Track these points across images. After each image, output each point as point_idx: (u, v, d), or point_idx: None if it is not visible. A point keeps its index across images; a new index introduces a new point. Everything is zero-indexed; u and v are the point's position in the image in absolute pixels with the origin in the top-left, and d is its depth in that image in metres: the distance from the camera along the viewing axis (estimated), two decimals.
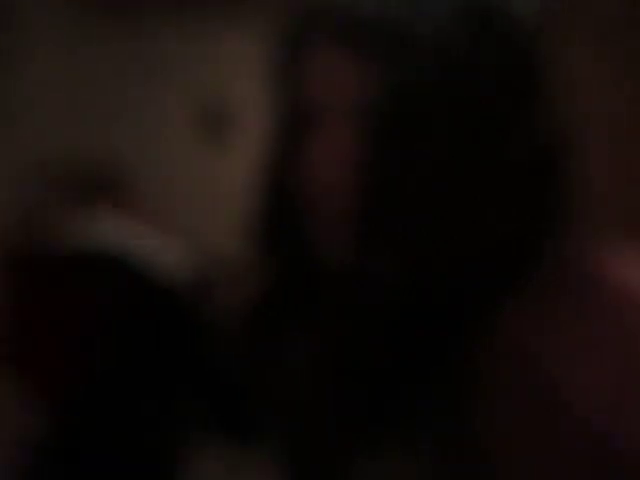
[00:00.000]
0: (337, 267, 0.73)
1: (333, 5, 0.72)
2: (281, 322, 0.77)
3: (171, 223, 3.67)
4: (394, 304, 0.68)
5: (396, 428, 0.70)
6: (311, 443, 0.74)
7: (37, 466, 1.19)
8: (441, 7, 0.68)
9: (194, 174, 3.63)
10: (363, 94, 0.70)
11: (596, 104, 3.10)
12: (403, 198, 0.68)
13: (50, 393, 1.39)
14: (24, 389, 1.69)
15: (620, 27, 3.37)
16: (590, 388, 0.63)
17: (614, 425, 0.62)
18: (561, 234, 0.72)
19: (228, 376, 0.85)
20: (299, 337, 0.76)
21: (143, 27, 3.53)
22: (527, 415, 0.65)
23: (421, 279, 0.68)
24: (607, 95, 3.31)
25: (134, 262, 1.46)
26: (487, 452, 0.65)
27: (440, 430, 0.68)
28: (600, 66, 3.33)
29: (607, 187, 2.83)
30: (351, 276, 0.71)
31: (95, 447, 1.08)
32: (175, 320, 1.18)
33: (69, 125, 3.40)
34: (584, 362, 0.64)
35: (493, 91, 0.68)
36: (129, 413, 1.11)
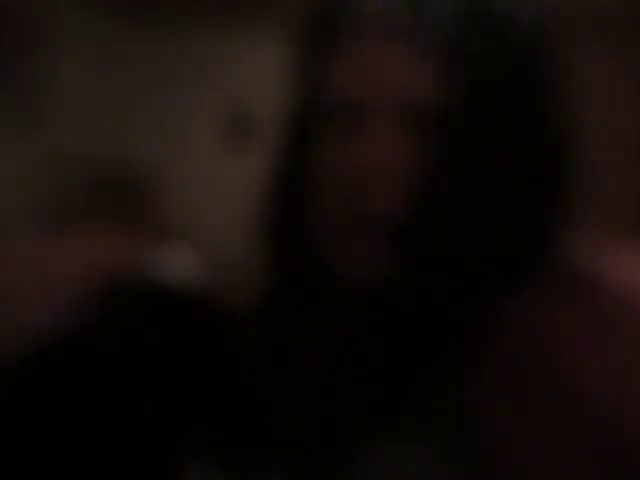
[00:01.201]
0: (344, 270, 0.71)
1: (379, 4, 0.69)
2: (284, 323, 0.76)
3: (193, 226, 3.67)
4: (398, 304, 0.68)
5: (398, 427, 0.69)
6: (314, 442, 0.72)
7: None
8: (446, 7, 0.67)
9: (217, 178, 3.63)
10: (415, 95, 0.67)
11: (603, 104, 3.08)
12: (445, 207, 0.66)
13: None
14: None
15: (625, 26, 3.35)
16: (593, 387, 0.63)
17: (617, 425, 0.62)
18: (564, 234, 0.72)
19: (234, 376, 0.83)
20: (302, 338, 0.75)
21: (169, 31, 3.53)
22: (526, 415, 0.65)
23: (425, 279, 0.67)
24: (613, 95, 3.29)
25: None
26: (488, 451, 0.65)
27: (442, 427, 0.68)
28: (611, 66, 3.31)
29: (611, 187, 2.82)
30: (357, 278, 0.69)
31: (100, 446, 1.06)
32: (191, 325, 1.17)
33: (93, 127, 3.42)
34: (586, 362, 0.64)
35: (503, 92, 0.67)
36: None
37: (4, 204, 3.04)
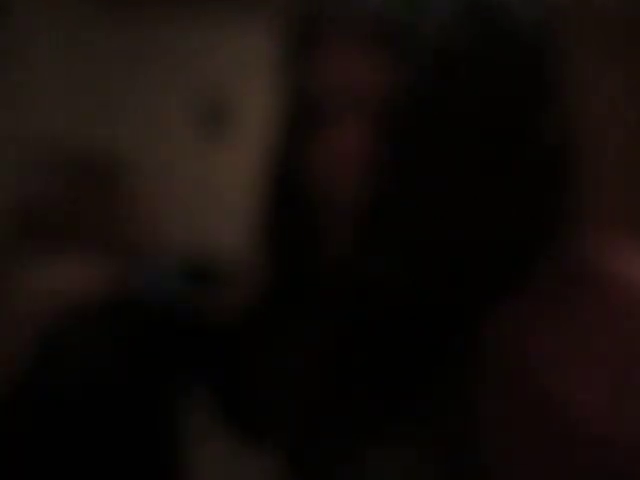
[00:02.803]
0: (341, 266, 0.72)
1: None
2: (283, 321, 0.77)
3: (169, 218, 3.67)
4: (395, 303, 0.68)
5: (397, 426, 0.69)
6: (311, 438, 0.73)
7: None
8: (444, 6, 0.68)
9: (193, 168, 3.63)
10: (379, 91, 0.70)
11: (604, 104, 3.10)
12: (411, 196, 0.67)
13: None
14: None
15: (628, 27, 3.37)
16: (590, 389, 0.63)
17: (614, 427, 0.61)
18: (564, 234, 0.72)
19: (231, 372, 0.85)
20: (301, 336, 0.76)
21: (143, 19, 3.52)
22: (524, 415, 0.65)
23: (423, 278, 0.68)
24: (615, 95, 3.31)
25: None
26: (486, 450, 0.65)
27: (440, 427, 0.68)
28: (611, 66, 3.33)
29: (612, 187, 2.84)
30: (353, 275, 0.70)
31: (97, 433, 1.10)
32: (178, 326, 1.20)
33: (67, 115, 3.40)
34: (584, 363, 0.64)
35: (504, 91, 0.68)
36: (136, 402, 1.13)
37: None
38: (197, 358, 0.98)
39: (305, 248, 0.75)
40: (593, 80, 3.06)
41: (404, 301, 0.68)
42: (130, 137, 3.56)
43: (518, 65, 0.69)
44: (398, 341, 0.69)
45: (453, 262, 0.67)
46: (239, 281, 0.86)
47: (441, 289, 0.68)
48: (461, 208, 0.67)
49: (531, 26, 0.70)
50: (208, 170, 3.67)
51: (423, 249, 0.67)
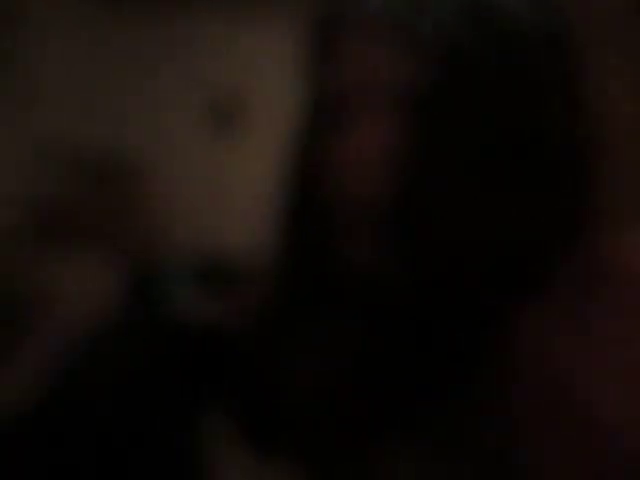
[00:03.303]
0: (360, 264, 0.72)
1: None
2: (300, 321, 0.76)
3: (184, 218, 3.66)
4: (421, 304, 0.68)
5: (414, 427, 0.69)
6: (329, 443, 0.73)
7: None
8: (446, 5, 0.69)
9: (207, 169, 3.62)
10: (400, 88, 0.70)
11: (623, 101, 3.09)
12: (435, 193, 0.67)
13: None
14: None
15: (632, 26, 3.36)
16: (618, 389, 0.62)
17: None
18: (586, 232, 0.71)
19: (245, 380, 0.85)
20: (318, 336, 0.75)
21: (155, 15, 3.52)
22: (554, 415, 0.64)
23: (450, 278, 0.67)
24: (628, 92, 3.30)
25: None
26: (518, 451, 0.65)
27: (459, 428, 0.67)
28: (621, 64, 3.32)
29: (635, 184, 2.83)
30: (375, 276, 0.70)
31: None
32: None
33: (79, 114, 3.40)
34: (608, 363, 0.63)
35: (521, 87, 0.68)
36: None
37: None
38: (213, 369, 0.98)
39: (323, 249, 0.74)
40: (605, 77, 3.05)
41: (431, 302, 0.68)
42: (145, 138, 3.55)
43: (537, 63, 0.69)
44: (424, 343, 0.68)
45: (480, 262, 0.67)
46: (254, 282, 0.85)
47: (469, 289, 0.67)
48: (487, 207, 0.67)
49: (547, 27, 0.70)
50: (222, 171, 3.66)
51: (450, 249, 0.67)
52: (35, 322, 1.81)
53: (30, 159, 3.16)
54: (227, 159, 3.67)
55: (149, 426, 1.07)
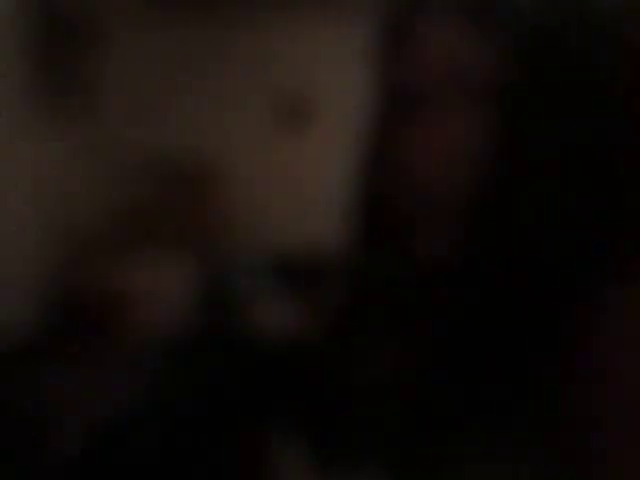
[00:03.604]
0: (437, 264, 0.70)
1: None
2: (375, 321, 0.75)
3: (254, 213, 3.70)
4: (499, 300, 0.66)
5: (490, 431, 0.67)
6: (401, 453, 0.72)
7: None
8: None
9: (276, 163, 3.64)
10: (478, 74, 0.67)
11: None
12: (517, 191, 0.65)
13: None
14: None
15: None
16: None
17: None
18: None
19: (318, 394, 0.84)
20: (393, 337, 0.74)
21: (222, 13, 3.55)
22: (624, 414, 0.62)
23: (531, 275, 0.65)
24: None
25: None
26: (585, 450, 0.62)
27: (536, 429, 0.65)
28: None
29: None
30: (452, 272, 0.68)
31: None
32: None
33: (150, 117, 3.45)
34: None
35: (603, 80, 0.65)
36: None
37: (69, 200, 3.07)
38: (287, 384, 0.98)
39: (397, 246, 0.72)
40: None
41: (509, 299, 0.66)
42: (220, 140, 3.59)
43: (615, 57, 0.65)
44: (498, 341, 0.67)
45: (559, 256, 0.65)
46: (333, 281, 0.84)
47: (548, 285, 0.65)
48: (569, 200, 0.65)
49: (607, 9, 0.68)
50: (293, 169, 3.67)
51: (532, 244, 0.65)
52: (119, 322, 1.83)
53: (109, 163, 3.22)
54: (296, 158, 3.68)
55: (221, 441, 1.09)
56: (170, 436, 1.10)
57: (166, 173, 3.28)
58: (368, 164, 0.75)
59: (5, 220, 2.78)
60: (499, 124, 0.67)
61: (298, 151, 3.63)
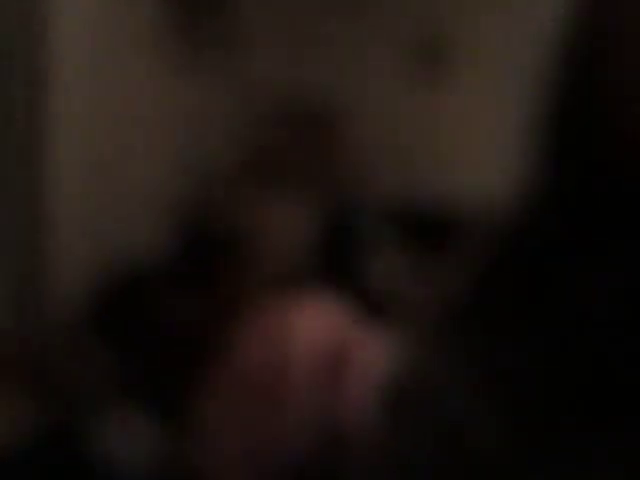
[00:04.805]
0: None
1: None
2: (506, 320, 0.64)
3: (382, 161, 3.66)
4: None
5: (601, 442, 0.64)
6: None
7: None
8: None
9: (407, 111, 3.57)
10: None
11: None
12: None
13: None
14: None
15: None
16: None
17: None
18: None
19: None
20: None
21: None
22: None
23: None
24: None
25: None
26: None
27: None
28: None
29: None
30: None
31: None
32: None
33: (279, 62, 3.45)
34: None
35: None
36: None
37: (199, 141, 3.12)
38: None
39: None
40: None
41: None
42: (351, 81, 3.55)
43: None
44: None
45: None
46: (476, 236, 0.76)
47: None
48: None
49: None
50: (430, 113, 3.57)
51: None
52: (252, 256, 1.89)
53: (240, 107, 3.25)
54: (434, 100, 3.60)
55: None
56: None
57: (299, 115, 3.29)
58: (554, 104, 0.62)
59: (144, 153, 2.89)
60: None
61: (437, 91, 3.53)
